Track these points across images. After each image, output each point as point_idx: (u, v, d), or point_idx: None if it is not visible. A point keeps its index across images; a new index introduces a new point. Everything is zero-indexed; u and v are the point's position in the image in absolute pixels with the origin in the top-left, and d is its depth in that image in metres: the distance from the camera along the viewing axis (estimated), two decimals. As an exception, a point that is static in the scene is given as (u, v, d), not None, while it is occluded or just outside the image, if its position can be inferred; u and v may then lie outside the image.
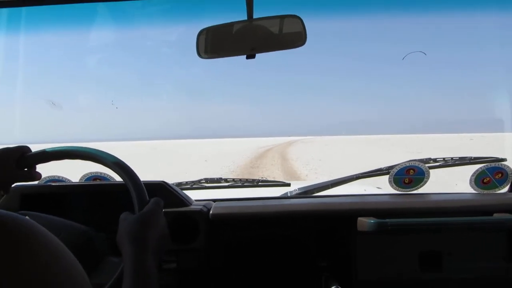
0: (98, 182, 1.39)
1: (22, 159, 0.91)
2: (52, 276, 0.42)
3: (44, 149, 0.93)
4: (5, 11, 1.12)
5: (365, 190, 1.86)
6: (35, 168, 0.94)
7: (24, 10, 1.12)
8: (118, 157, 0.96)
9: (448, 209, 1.22)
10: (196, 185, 1.56)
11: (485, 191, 1.40)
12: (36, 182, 1.32)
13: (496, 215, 1.16)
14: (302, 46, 1.02)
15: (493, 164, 1.38)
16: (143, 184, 0.90)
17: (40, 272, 0.41)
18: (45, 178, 1.43)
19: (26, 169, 0.92)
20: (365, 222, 1.15)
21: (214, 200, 1.32)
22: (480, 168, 1.39)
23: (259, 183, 1.57)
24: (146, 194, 0.89)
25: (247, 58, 1.06)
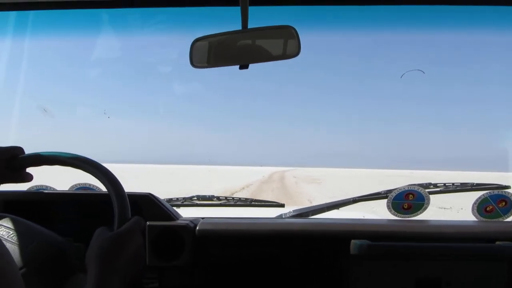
0: (83, 192, 1.35)
1: (13, 160, 0.89)
2: None
3: (38, 152, 0.92)
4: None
5: (363, 216, 1.80)
6: (25, 169, 0.92)
7: (18, 14, 1.13)
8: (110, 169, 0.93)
9: (448, 235, 1.16)
10: (187, 201, 1.52)
11: (489, 220, 1.33)
12: (22, 189, 1.30)
13: (499, 243, 1.10)
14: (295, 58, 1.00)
15: (496, 192, 1.32)
16: (127, 199, 0.87)
17: None
18: (33, 187, 1.41)
19: (16, 171, 0.90)
20: (359, 245, 1.09)
21: (204, 218, 1.27)
22: (483, 195, 1.34)
23: (252, 203, 1.53)
24: (129, 210, 0.86)
25: (240, 68, 1.04)
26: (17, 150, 0.90)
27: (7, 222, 0.90)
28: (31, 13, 1.13)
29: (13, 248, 0.84)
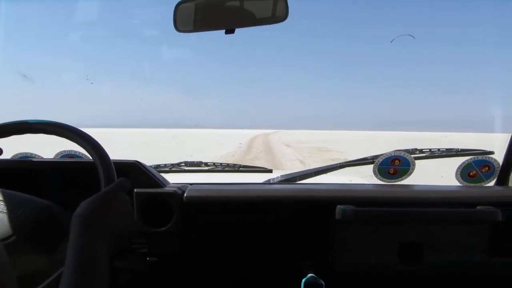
0: (70, 159, 1.34)
1: None
2: None
3: (3, 123, 0.88)
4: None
5: (350, 180, 1.83)
6: None
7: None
8: (88, 133, 0.91)
9: (431, 199, 1.19)
10: (175, 168, 1.52)
11: (471, 184, 1.36)
12: (6, 158, 1.28)
13: (479, 208, 1.13)
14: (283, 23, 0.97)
15: (480, 157, 1.35)
16: (111, 162, 0.86)
17: None
18: (17, 154, 1.39)
19: None
20: (344, 210, 1.11)
21: (192, 184, 1.28)
22: (467, 160, 1.36)
23: (240, 168, 1.53)
24: (114, 172, 0.84)
25: (226, 33, 1.01)
26: None
27: None
28: None
29: (0, 216, 0.83)
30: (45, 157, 1.37)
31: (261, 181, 1.49)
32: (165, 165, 1.53)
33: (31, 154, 1.39)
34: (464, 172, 1.37)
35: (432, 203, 1.18)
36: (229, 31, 1.00)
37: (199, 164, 1.54)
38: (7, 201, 0.87)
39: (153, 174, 1.18)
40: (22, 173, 1.17)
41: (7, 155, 1.33)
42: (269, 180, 1.51)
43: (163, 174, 1.28)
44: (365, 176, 2.10)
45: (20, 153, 1.39)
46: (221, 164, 1.56)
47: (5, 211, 0.84)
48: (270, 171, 1.53)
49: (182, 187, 1.20)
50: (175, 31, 1.06)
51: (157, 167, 1.50)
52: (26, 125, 0.89)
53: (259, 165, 1.63)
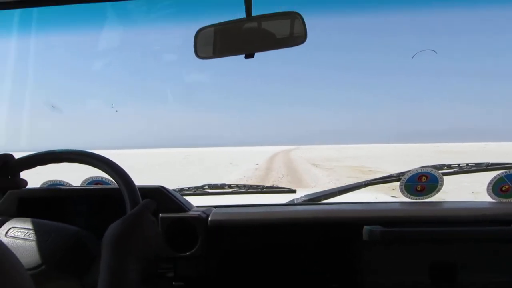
0: (98, 186, 1.36)
1: (5, 168, 0.89)
2: None
3: (27, 155, 0.92)
4: (4, 12, 1.11)
5: (376, 198, 1.79)
6: (19, 175, 0.91)
7: (24, 11, 1.12)
8: (111, 159, 0.93)
9: (463, 218, 1.14)
10: (199, 191, 1.52)
11: (505, 200, 1.31)
12: (36, 186, 1.31)
13: None
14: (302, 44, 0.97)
15: (511, 171, 1.29)
16: (136, 186, 0.87)
17: None
18: (46, 182, 1.42)
19: (10, 177, 0.90)
20: (371, 231, 1.08)
21: (216, 207, 1.28)
22: (498, 175, 1.31)
23: (264, 190, 1.53)
24: (139, 195, 0.86)
25: (246, 57, 1.02)
26: (8, 157, 0.89)
27: (19, 223, 0.91)
28: (34, 10, 1.12)
29: (31, 245, 0.85)
30: (73, 183, 1.40)
31: (284, 201, 1.48)
32: (189, 188, 1.54)
33: (60, 181, 1.42)
34: (496, 187, 1.31)
35: (464, 221, 1.13)
36: (249, 55, 1.02)
37: (222, 186, 1.55)
38: (36, 229, 0.89)
39: (177, 199, 1.18)
40: (52, 201, 1.20)
41: (37, 182, 1.37)
42: (293, 200, 1.50)
43: (186, 197, 1.29)
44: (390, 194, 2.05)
45: (49, 181, 1.43)
46: (244, 185, 1.56)
47: (34, 239, 0.87)
48: (294, 191, 1.51)
49: (207, 210, 1.20)
50: (195, 56, 1.09)
51: (181, 190, 1.51)
52: (52, 155, 0.91)
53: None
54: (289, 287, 1.21)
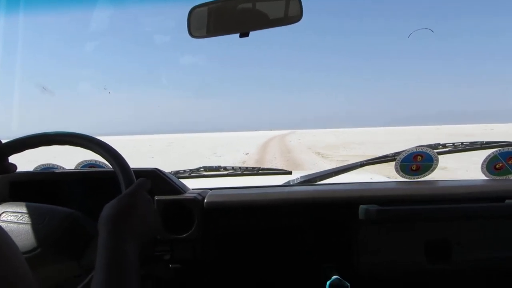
0: (91, 169, 1.35)
1: None
2: None
3: (16, 138, 0.89)
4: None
5: (371, 178, 1.80)
6: (7, 160, 0.89)
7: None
8: (104, 141, 0.91)
9: (458, 195, 1.15)
10: (194, 173, 1.52)
11: (498, 177, 1.32)
12: (29, 170, 1.30)
13: (508, 201, 1.09)
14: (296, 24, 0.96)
15: (506, 149, 1.30)
16: (129, 166, 0.86)
17: None
18: (39, 166, 1.41)
19: None
20: (367, 210, 1.09)
21: (211, 189, 1.28)
22: (493, 153, 1.32)
23: (259, 171, 1.53)
24: (133, 175, 0.85)
25: (240, 36, 1.00)
26: None
27: (11, 207, 0.90)
28: None
29: (25, 229, 0.84)
30: (66, 167, 1.39)
31: (280, 183, 1.48)
32: (184, 171, 1.53)
33: (53, 165, 1.41)
34: (490, 165, 1.33)
35: (458, 199, 1.14)
36: (244, 34, 1.00)
37: (217, 168, 1.54)
38: (29, 213, 0.88)
39: (172, 181, 1.18)
40: (45, 184, 1.19)
41: (29, 167, 1.36)
42: (288, 181, 1.50)
43: (182, 180, 1.29)
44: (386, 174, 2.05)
45: (42, 165, 1.41)
46: (240, 168, 1.56)
47: (29, 222, 0.86)
48: (289, 172, 1.51)
49: (202, 192, 1.20)
50: (188, 35, 1.07)
51: (176, 173, 1.50)
52: (44, 137, 0.90)
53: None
54: (287, 268, 1.22)
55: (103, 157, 0.87)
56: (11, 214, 0.87)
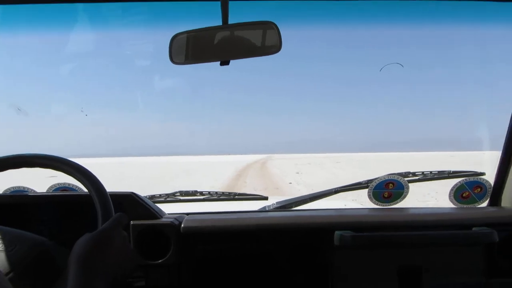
0: (64, 193, 1.32)
1: None
2: None
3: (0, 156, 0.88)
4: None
5: (345, 205, 1.83)
6: None
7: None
8: (84, 166, 0.90)
9: (427, 222, 1.20)
10: (170, 197, 1.51)
11: (465, 206, 1.38)
12: None
13: (476, 229, 1.14)
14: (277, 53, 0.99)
15: (472, 178, 1.37)
16: (109, 197, 0.85)
17: None
18: (9, 188, 1.37)
19: None
20: (342, 236, 1.11)
21: (188, 214, 1.27)
22: (459, 182, 1.38)
23: (236, 197, 1.53)
24: (112, 208, 0.83)
25: (221, 64, 1.03)
26: None
27: None
28: None
29: None
30: (38, 190, 1.35)
31: (256, 208, 1.49)
32: (160, 195, 1.52)
33: (24, 188, 1.37)
34: (457, 194, 1.38)
35: (428, 225, 1.19)
36: (224, 62, 1.02)
37: (194, 193, 1.54)
38: (1, 237, 0.85)
39: (149, 205, 1.17)
40: (16, 207, 1.15)
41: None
42: (264, 207, 1.51)
43: (158, 205, 1.27)
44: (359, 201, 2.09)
45: (12, 187, 1.37)
46: (216, 192, 1.56)
47: (1, 248, 0.83)
48: (266, 198, 1.52)
49: (179, 217, 1.19)
50: (167, 62, 1.08)
51: (152, 197, 1.48)
52: (21, 159, 0.88)
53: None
54: None
55: (83, 184, 0.85)
56: None
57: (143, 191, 1.31)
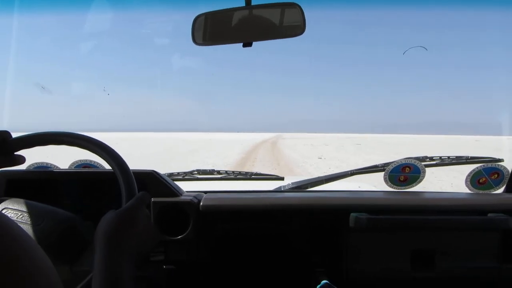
0: (87, 169, 1.35)
1: (3, 145, 0.87)
2: (22, 270, 0.39)
3: (27, 134, 0.90)
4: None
5: (359, 187, 1.84)
6: (16, 153, 0.90)
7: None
8: (108, 144, 0.92)
9: (442, 207, 1.21)
10: (188, 176, 1.54)
11: (481, 191, 1.38)
12: (23, 168, 1.29)
13: (491, 215, 1.15)
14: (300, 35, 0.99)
15: (489, 165, 1.36)
16: (133, 177, 0.87)
17: (10, 265, 0.38)
18: (33, 164, 1.40)
19: (8, 155, 0.89)
20: (357, 218, 1.13)
21: (206, 192, 1.30)
22: (477, 168, 1.38)
23: (252, 176, 1.55)
24: (135, 187, 0.85)
25: (243, 46, 1.03)
26: (5, 134, 0.87)
27: (12, 204, 0.90)
28: None
29: (25, 228, 0.85)
30: (59, 166, 1.39)
31: (272, 188, 1.51)
32: (178, 173, 1.55)
33: (47, 163, 1.40)
34: (474, 179, 1.38)
35: (443, 210, 1.20)
36: (247, 44, 1.02)
37: (211, 172, 1.56)
38: (29, 212, 0.88)
39: (169, 183, 1.20)
40: (40, 183, 1.19)
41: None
42: (280, 187, 1.53)
43: (176, 182, 1.30)
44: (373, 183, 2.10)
45: (36, 163, 1.40)
46: (233, 172, 1.58)
47: (29, 222, 0.86)
48: (282, 178, 1.54)
49: (198, 195, 1.22)
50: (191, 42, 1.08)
51: (170, 175, 1.51)
52: (49, 136, 0.90)
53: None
54: (279, 272, 1.25)
55: (108, 163, 0.87)
56: (12, 212, 0.87)
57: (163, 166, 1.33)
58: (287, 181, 1.55)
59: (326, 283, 1.15)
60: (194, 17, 1.01)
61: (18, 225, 0.45)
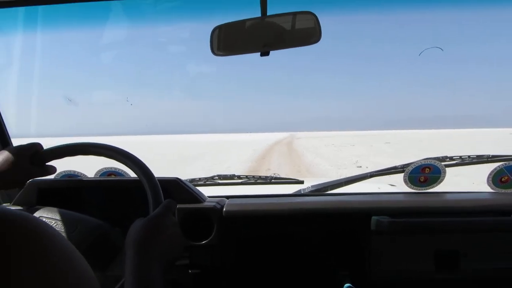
0: (113, 177, 1.40)
1: (35, 156, 0.93)
2: (62, 276, 0.42)
3: (57, 146, 0.95)
4: (21, 9, 1.13)
5: (379, 188, 1.84)
6: (48, 163, 0.95)
7: (39, 8, 1.14)
8: (134, 154, 0.96)
9: (464, 208, 1.20)
10: (209, 181, 1.57)
11: (503, 190, 1.37)
12: (52, 177, 1.35)
13: None
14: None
15: (511, 163, 1.35)
16: (159, 185, 0.90)
17: (49, 271, 0.40)
18: (61, 172, 1.46)
19: (40, 166, 0.94)
20: (379, 222, 1.14)
21: (227, 197, 1.33)
22: (498, 166, 1.37)
23: (272, 180, 1.57)
24: (162, 195, 0.89)
25: (261, 55, 1.05)
26: (38, 146, 0.93)
27: (47, 213, 0.94)
28: (40, 8, 1.14)
29: None
30: (86, 174, 1.44)
31: (291, 191, 1.53)
32: (199, 179, 1.58)
33: (74, 171, 1.46)
34: (496, 178, 1.37)
35: (466, 211, 1.19)
36: (264, 53, 1.05)
37: (232, 177, 1.59)
38: (63, 220, 0.93)
39: (192, 190, 1.23)
40: (69, 192, 1.23)
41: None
42: (299, 190, 1.55)
43: (198, 187, 1.33)
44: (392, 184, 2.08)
45: (64, 171, 1.46)
46: (253, 176, 1.61)
47: (63, 230, 0.90)
48: (301, 182, 1.56)
49: (220, 201, 1.25)
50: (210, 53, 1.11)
51: (192, 181, 1.55)
52: (78, 147, 0.94)
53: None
54: (302, 275, 1.27)
55: (135, 172, 0.91)
56: (47, 220, 0.92)
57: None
58: (307, 184, 1.57)
59: (349, 286, 1.17)
60: (208, 26, 1.04)
61: (58, 231, 0.48)
